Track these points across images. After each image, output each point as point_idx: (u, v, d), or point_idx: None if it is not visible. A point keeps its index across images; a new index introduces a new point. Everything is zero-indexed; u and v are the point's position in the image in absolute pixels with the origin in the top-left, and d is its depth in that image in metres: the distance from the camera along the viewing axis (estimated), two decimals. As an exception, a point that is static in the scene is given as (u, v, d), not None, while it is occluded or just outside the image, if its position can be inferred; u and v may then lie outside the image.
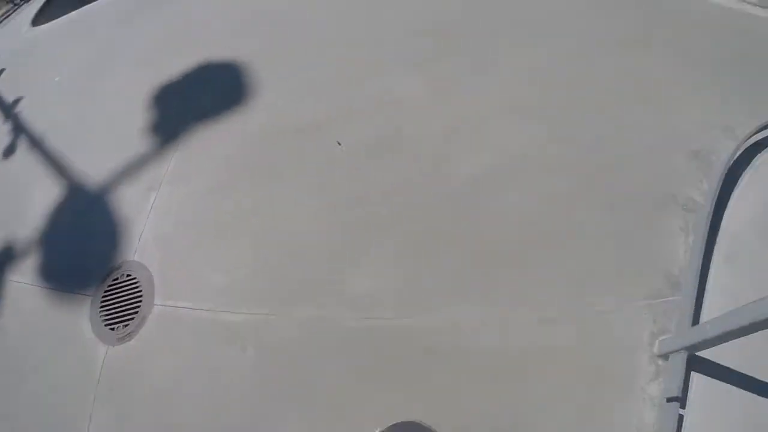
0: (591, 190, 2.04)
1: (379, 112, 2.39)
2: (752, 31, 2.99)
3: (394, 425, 1.57)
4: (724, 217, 2.10)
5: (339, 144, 2.14)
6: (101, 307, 2.34)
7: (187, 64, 2.86)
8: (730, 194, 2.21)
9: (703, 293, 1.81)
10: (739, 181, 2.27)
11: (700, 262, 1.80)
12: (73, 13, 4.51)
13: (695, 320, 1.68)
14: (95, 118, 3.00)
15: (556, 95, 2.44)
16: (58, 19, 4.59)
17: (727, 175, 2.24)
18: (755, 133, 2.46)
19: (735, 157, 2.32)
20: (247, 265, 2.07)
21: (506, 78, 2.52)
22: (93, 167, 2.72)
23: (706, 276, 1.86)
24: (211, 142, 2.47)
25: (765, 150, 2.50)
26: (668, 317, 1.69)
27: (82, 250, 2.53)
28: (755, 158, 2.44)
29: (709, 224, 1.96)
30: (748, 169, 2.35)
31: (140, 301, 2.23)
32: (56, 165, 2.87)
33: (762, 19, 3.08)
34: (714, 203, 2.06)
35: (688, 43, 2.86)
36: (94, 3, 4.39)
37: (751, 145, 2.48)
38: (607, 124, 2.26)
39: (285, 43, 2.91)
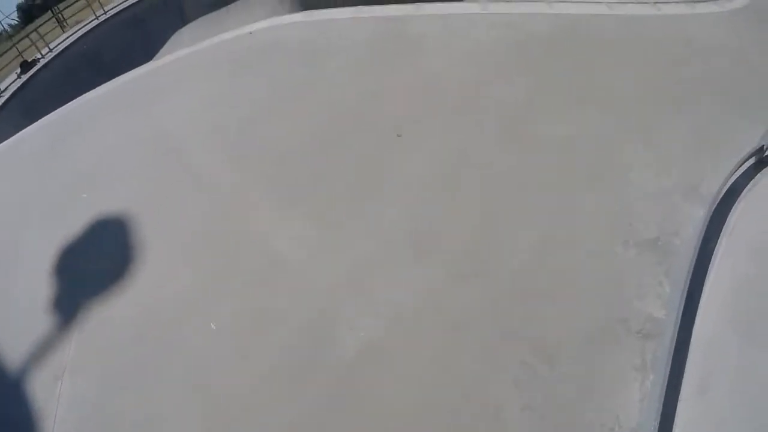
0: (507, 342, 1.64)
1: (256, 275, 2.06)
2: (685, 34, 2.42)
3: None
4: (695, 324, 1.70)
5: (213, 327, 1.89)
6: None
7: (84, 221, 2.58)
8: (703, 282, 1.80)
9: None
10: (712, 259, 1.85)
11: (658, 423, 1.44)
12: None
13: None
14: (10, 287, 2.75)
15: (459, 216, 1.99)
16: None
17: (698, 256, 1.81)
18: (725, 183, 2.01)
19: (706, 226, 1.89)
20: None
21: (396, 203, 2.09)
22: (12, 345, 2.50)
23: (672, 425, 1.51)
24: (102, 328, 2.23)
25: (739, 198, 2.05)
26: None
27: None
28: (730, 214, 1.99)
29: (673, 351, 1.58)
30: (721, 236, 1.91)
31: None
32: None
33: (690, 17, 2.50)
34: (681, 313, 1.66)
35: (612, 84, 2.31)
36: (24, 132, 4.08)
37: (723, 197, 2.03)
38: (526, 233, 1.82)
39: (164, 192, 2.62)
